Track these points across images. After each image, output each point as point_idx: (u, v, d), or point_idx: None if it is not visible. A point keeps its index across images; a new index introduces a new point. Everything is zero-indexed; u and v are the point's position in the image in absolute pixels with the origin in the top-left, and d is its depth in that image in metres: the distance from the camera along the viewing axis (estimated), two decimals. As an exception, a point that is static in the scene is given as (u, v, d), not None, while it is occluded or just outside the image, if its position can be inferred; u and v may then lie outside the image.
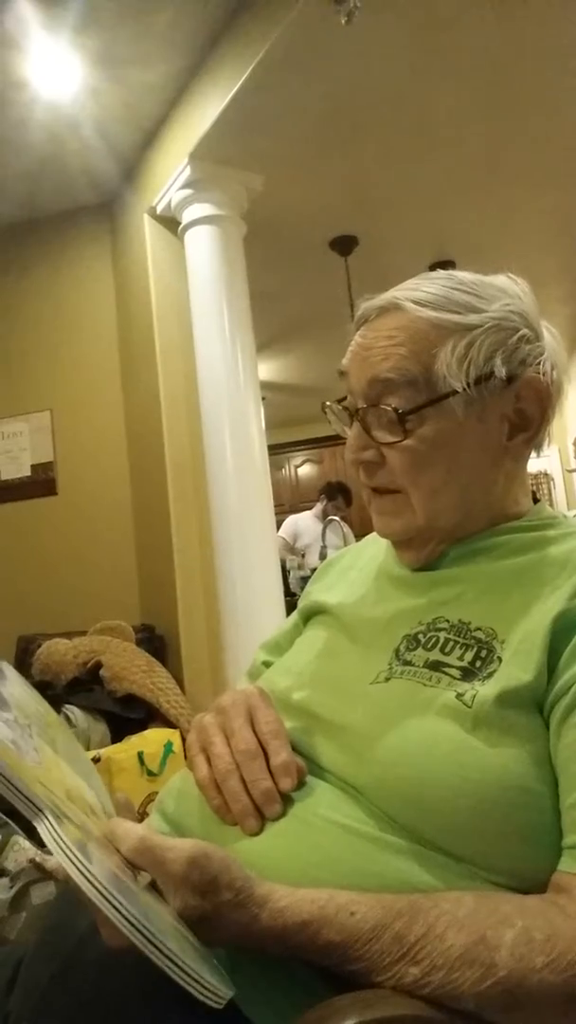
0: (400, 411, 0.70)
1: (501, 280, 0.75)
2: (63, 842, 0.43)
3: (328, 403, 0.81)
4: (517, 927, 0.51)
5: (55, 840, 0.44)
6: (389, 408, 0.71)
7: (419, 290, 0.72)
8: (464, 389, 0.69)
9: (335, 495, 4.83)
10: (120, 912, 0.42)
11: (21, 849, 1.36)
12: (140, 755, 2.04)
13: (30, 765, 0.55)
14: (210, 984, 0.44)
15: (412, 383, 0.70)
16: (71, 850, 0.43)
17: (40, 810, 0.46)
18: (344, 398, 0.79)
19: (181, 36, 2.46)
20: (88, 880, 0.42)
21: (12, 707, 0.63)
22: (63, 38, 2.38)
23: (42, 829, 0.45)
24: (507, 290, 0.74)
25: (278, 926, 0.53)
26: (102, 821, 0.60)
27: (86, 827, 0.53)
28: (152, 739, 2.15)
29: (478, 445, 0.72)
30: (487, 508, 0.75)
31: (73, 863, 0.43)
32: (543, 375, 0.72)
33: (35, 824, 0.45)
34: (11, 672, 0.73)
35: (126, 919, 0.42)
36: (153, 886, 0.54)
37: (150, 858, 0.53)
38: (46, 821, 0.45)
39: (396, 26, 2.23)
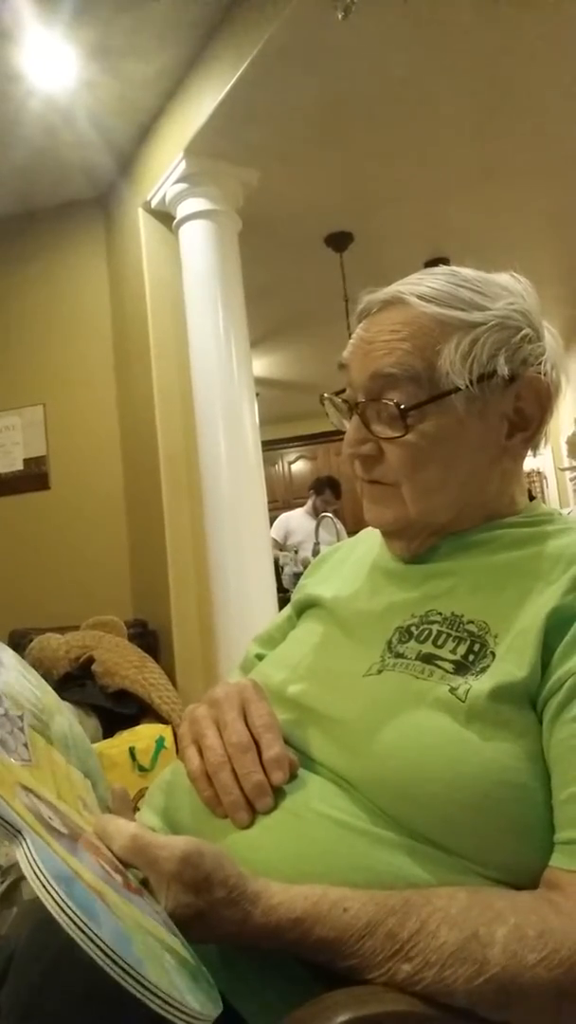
0: (402, 406, 0.70)
1: (504, 278, 0.75)
2: (40, 871, 0.42)
3: (327, 395, 0.81)
4: (510, 924, 0.52)
5: (31, 867, 0.43)
6: (391, 403, 0.71)
7: (423, 285, 0.72)
8: (467, 386, 0.69)
9: (323, 489, 4.83)
10: (95, 943, 0.41)
11: (12, 844, 1.35)
12: (132, 750, 2.04)
13: (16, 766, 0.55)
14: (191, 1010, 0.43)
15: (415, 379, 0.70)
16: (47, 880, 0.42)
17: (19, 831, 0.45)
18: (343, 391, 0.78)
19: (177, 29, 2.45)
20: (64, 911, 0.41)
21: (5, 699, 0.62)
22: (58, 30, 2.36)
23: (19, 854, 0.44)
24: (510, 288, 0.73)
25: (271, 923, 0.52)
26: (95, 816, 0.59)
27: (75, 826, 0.53)
28: (144, 734, 2.15)
29: (477, 443, 0.72)
30: (482, 506, 0.75)
31: (49, 893, 0.42)
32: (544, 375, 0.72)
33: (13, 847, 0.44)
34: (7, 656, 0.72)
35: (101, 951, 0.41)
36: (145, 884, 0.54)
37: (142, 857, 0.53)
38: (24, 845, 0.44)
39: (393, 22, 2.23)
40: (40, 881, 0.42)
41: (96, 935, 0.41)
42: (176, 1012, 0.42)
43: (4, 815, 0.45)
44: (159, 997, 0.41)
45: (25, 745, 0.59)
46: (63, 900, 0.41)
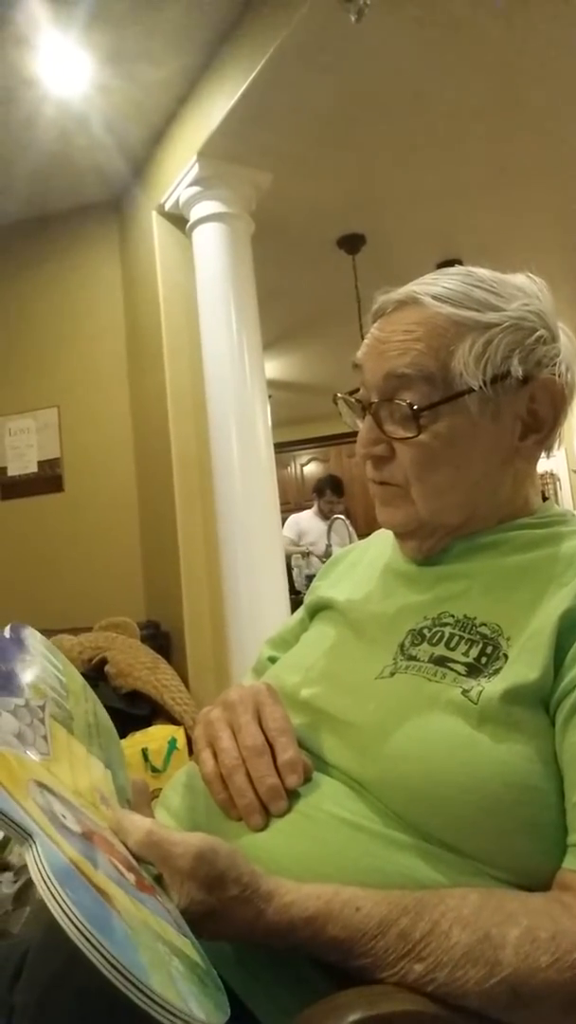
0: (415, 407, 0.70)
1: (520, 279, 0.74)
2: (48, 877, 0.42)
3: (340, 395, 0.81)
4: (522, 925, 0.51)
5: (40, 872, 0.43)
6: (404, 403, 0.70)
7: (438, 285, 0.72)
8: (480, 387, 0.69)
9: (324, 490, 4.83)
10: (99, 951, 0.41)
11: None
12: (144, 751, 2.04)
13: (33, 761, 0.55)
14: (195, 1019, 0.43)
15: (429, 379, 0.70)
16: (54, 886, 0.42)
17: (29, 835, 0.45)
18: (356, 390, 0.78)
19: (190, 33, 2.46)
20: (70, 919, 0.41)
21: (26, 689, 0.63)
22: (72, 35, 2.38)
23: (29, 858, 0.44)
24: (525, 289, 0.73)
25: (284, 921, 0.53)
26: (113, 809, 0.60)
27: (90, 823, 0.53)
28: (156, 735, 2.16)
29: (490, 444, 0.72)
30: (495, 507, 0.75)
31: (56, 900, 0.42)
32: (558, 377, 0.72)
33: (23, 850, 0.45)
34: (34, 640, 0.72)
35: (106, 959, 0.41)
36: (158, 880, 0.54)
37: (157, 852, 0.53)
38: (34, 848, 0.44)
39: (406, 24, 2.23)
40: (47, 887, 0.42)
41: (101, 943, 0.41)
42: (180, 1022, 0.42)
43: (15, 817, 0.45)
44: (162, 1007, 0.41)
45: (44, 737, 0.59)
46: (70, 907, 0.41)
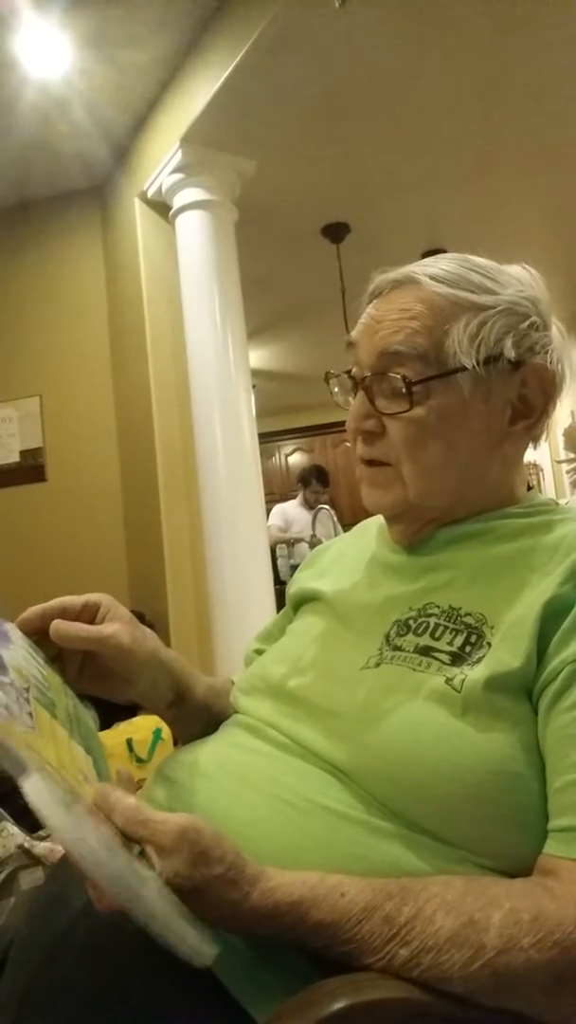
0: (408, 380, 0.70)
1: (514, 268, 0.76)
2: (49, 798, 0.43)
3: (332, 372, 0.81)
4: (505, 908, 0.52)
5: (40, 795, 0.43)
6: (397, 376, 0.71)
7: (435, 267, 0.73)
8: (473, 367, 0.69)
9: (309, 480, 4.84)
10: (105, 867, 0.41)
11: (10, 835, 1.36)
12: (129, 742, 2.04)
13: (20, 731, 0.55)
14: (192, 944, 0.43)
15: (422, 357, 0.70)
16: (57, 807, 0.42)
17: (27, 767, 0.45)
18: (349, 370, 0.78)
19: (173, 17, 2.44)
20: (73, 836, 0.41)
21: (10, 670, 0.62)
22: (53, 18, 2.34)
23: (28, 785, 0.44)
24: (520, 278, 0.74)
25: (269, 905, 0.53)
26: (95, 787, 0.59)
27: (75, 793, 0.53)
28: (141, 726, 2.16)
29: (480, 426, 0.72)
30: (482, 493, 0.75)
31: (59, 819, 0.42)
32: (549, 364, 0.72)
33: (21, 781, 0.44)
34: (15, 634, 0.72)
35: (112, 874, 0.41)
36: (141, 855, 0.54)
37: (142, 829, 0.53)
38: (33, 777, 0.44)
39: (390, 10, 2.21)
40: (50, 807, 0.43)
41: (105, 859, 0.42)
42: (179, 942, 0.43)
43: (14, 752, 0.46)
44: (163, 923, 0.42)
45: (30, 714, 0.59)
46: (73, 825, 0.42)
